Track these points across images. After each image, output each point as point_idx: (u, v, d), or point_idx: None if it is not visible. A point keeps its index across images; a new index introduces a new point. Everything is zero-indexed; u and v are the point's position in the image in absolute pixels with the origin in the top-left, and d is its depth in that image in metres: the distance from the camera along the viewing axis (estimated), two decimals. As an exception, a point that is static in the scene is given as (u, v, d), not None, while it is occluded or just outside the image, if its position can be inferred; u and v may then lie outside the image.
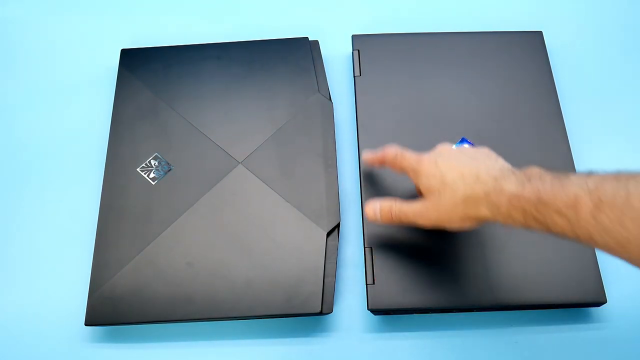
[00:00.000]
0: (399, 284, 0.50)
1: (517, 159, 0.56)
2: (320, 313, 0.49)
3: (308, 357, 0.51)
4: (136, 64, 0.63)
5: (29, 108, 0.64)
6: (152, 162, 0.57)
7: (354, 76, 0.61)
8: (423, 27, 0.66)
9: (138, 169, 0.57)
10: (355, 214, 0.57)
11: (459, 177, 0.43)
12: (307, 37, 0.64)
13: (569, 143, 0.57)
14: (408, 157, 0.49)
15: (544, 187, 0.38)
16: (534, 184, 0.39)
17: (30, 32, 0.70)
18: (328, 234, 0.53)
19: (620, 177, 0.35)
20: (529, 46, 0.63)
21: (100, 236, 0.54)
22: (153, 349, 0.52)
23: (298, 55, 0.62)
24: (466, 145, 0.49)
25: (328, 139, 0.57)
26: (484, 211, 0.42)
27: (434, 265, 0.51)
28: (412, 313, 0.51)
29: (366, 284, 0.50)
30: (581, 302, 0.50)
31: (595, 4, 0.70)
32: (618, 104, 0.63)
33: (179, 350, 0.51)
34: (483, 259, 0.51)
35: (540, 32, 0.64)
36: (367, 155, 0.53)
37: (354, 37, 0.64)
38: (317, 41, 0.64)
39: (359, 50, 0.63)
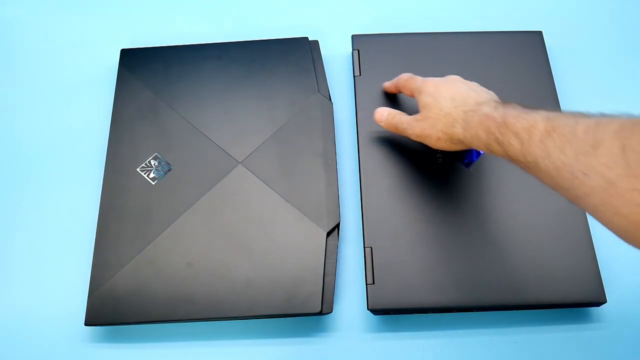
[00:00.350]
0: (399, 283, 0.50)
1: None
2: (320, 313, 0.49)
3: (308, 357, 0.51)
4: (136, 64, 0.63)
5: (29, 108, 0.64)
6: (152, 162, 0.57)
7: (354, 76, 0.61)
8: (423, 27, 0.66)
9: (138, 169, 0.57)
10: (355, 214, 0.57)
11: (449, 98, 0.48)
12: (307, 37, 0.64)
13: (569, 143, 0.57)
14: (417, 79, 0.53)
15: (512, 112, 0.42)
16: (505, 109, 0.43)
17: (30, 32, 0.70)
18: (328, 234, 0.53)
19: (578, 114, 0.37)
20: (529, 46, 0.63)
21: (100, 236, 0.54)
22: (153, 349, 0.52)
23: (298, 55, 0.62)
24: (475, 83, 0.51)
25: (328, 139, 0.57)
26: (458, 129, 0.46)
27: (433, 265, 0.51)
28: (412, 313, 0.51)
29: (366, 284, 0.50)
30: (581, 302, 0.50)
31: (595, 4, 0.70)
32: (618, 104, 0.63)
33: (179, 350, 0.51)
34: (483, 259, 0.51)
35: (540, 32, 0.64)
36: (386, 83, 0.59)
37: (353, 37, 0.64)
38: (317, 41, 0.64)
39: (358, 50, 0.63)
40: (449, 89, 0.49)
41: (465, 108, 0.46)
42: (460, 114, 0.46)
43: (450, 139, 0.48)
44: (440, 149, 0.50)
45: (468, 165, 0.56)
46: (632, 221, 0.32)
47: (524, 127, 0.39)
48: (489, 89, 0.49)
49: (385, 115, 0.55)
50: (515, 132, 0.40)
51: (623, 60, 0.66)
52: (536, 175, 0.39)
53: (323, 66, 0.62)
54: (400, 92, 0.57)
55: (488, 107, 0.44)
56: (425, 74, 0.61)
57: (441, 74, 0.61)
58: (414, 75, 0.54)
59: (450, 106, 0.47)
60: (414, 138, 0.52)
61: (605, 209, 0.33)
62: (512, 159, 0.41)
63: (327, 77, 0.62)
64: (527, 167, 0.40)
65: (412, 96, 0.54)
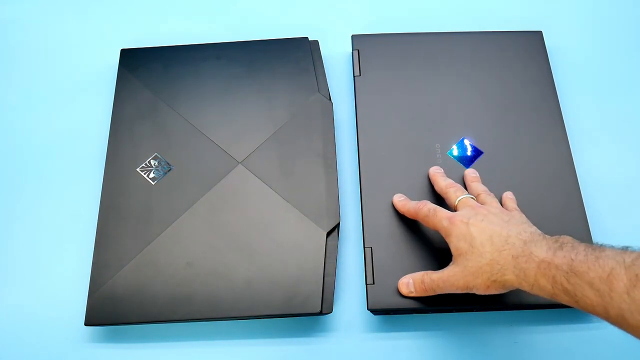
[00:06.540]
0: (399, 284, 0.50)
1: (516, 159, 0.56)
2: (320, 313, 0.49)
3: (308, 357, 0.51)
4: (136, 64, 0.63)
5: (29, 108, 0.64)
6: (152, 162, 0.57)
7: (354, 76, 0.61)
8: (423, 27, 0.66)
9: (138, 169, 0.57)
10: (355, 214, 0.57)
11: (487, 240, 0.42)
12: (307, 37, 0.64)
13: (568, 143, 0.57)
14: (440, 216, 0.47)
15: (577, 256, 0.37)
16: (566, 252, 0.38)
17: (30, 32, 0.70)
18: (328, 234, 0.53)
19: None
20: (529, 46, 0.63)
21: (100, 236, 0.54)
22: (153, 349, 0.52)
23: (298, 55, 0.62)
24: (495, 206, 0.47)
25: (328, 139, 0.57)
26: (509, 276, 0.41)
27: (433, 265, 0.51)
28: (412, 313, 0.51)
29: (366, 284, 0.50)
30: None
31: (595, 4, 0.70)
32: (618, 104, 0.63)
33: (179, 350, 0.51)
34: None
35: (540, 32, 0.64)
36: (399, 202, 0.52)
37: (353, 37, 0.64)
38: (317, 41, 0.64)
39: (358, 50, 0.63)
40: (483, 228, 0.43)
41: (513, 251, 0.41)
42: (508, 259, 0.41)
43: (503, 286, 0.42)
44: (491, 294, 0.44)
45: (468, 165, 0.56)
46: None
47: (600, 277, 0.35)
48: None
49: (411, 284, 0.49)
50: (589, 282, 0.36)
51: (623, 60, 0.66)
52: (622, 329, 0.35)
53: (323, 66, 0.62)
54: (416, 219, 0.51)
55: (541, 250, 0.40)
56: (426, 74, 0.61)
57: (441, 74, 0.61)
58: (436, 210, 0.47)
59: (491, 250, 0.42)
60: (458, 292, 0.45)
61: None
62: (588, 311, 0.37)
63: (327, 77, 0.62)
64: (608, 319, 0.35)
65: (434, 230, 0.48)
